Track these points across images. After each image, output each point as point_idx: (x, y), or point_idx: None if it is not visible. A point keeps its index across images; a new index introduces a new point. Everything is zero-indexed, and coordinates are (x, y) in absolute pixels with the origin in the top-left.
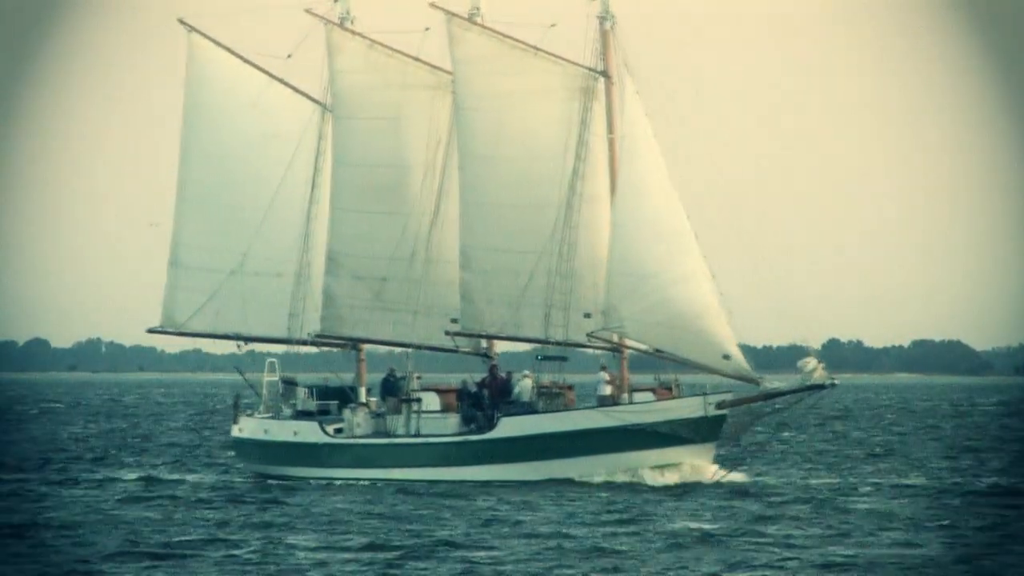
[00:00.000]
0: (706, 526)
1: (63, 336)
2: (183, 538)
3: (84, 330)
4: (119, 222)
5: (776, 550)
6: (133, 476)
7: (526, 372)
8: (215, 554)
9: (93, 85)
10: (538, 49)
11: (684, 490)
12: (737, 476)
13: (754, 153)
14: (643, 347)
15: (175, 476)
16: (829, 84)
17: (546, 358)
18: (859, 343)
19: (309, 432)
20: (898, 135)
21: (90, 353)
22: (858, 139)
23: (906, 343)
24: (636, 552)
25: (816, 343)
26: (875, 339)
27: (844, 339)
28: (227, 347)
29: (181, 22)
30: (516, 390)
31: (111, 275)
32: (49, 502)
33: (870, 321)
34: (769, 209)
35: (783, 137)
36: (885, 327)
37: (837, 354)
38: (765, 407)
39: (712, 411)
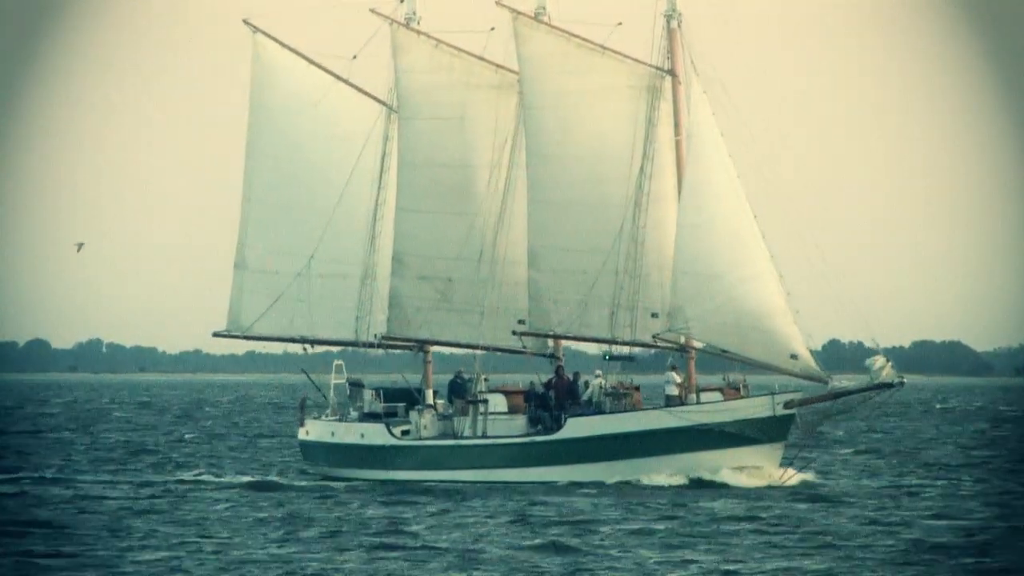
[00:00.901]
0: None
1: (63, 337)
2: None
3: (84, 331)
4: (122, 223)
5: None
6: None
7: (598, 372)
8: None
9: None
10: (605, 48)
11: (751, 491)
12: (805, 477)
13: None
14: (710, 347)
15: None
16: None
17: (613, 358)
18: (859, 344)
19: (376, 434)
20: (899, 133)
21: (90, 354)
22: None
23: (907, 343)
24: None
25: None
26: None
27: (844, 340)
28: (227, 348)
29: (246, 23)
30: (587, 390)
31: (113, 276)
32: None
33: (871, 322)
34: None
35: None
36: (886, 327)
37: (837, 355)
38: (833, 407)
39: (780, 411)
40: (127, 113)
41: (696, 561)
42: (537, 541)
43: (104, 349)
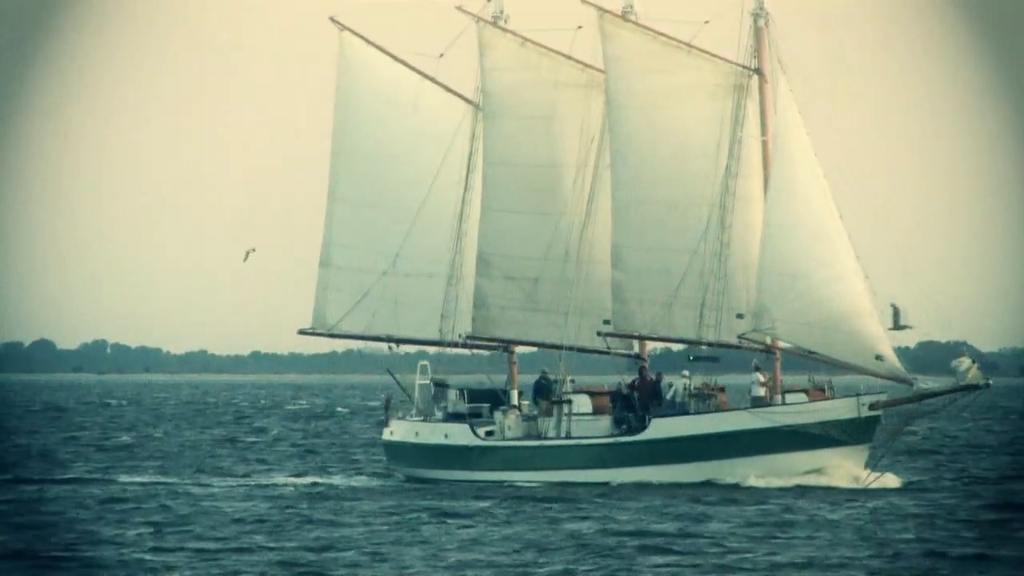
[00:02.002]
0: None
1: (68, 337)
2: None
3: (89, 331)
4: (124, 223)
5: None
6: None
7: (685, 373)
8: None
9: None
10: (691, 46)
11: (835, 493)
12: (889, 479)
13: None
14: (795, 348)
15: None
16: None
17: (698, 359)
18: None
19: (460, 435)
20: (923, 131)
21: (95, 354)
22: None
23: (912, 344)
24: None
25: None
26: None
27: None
28: (232, 349)
29: (333, 20)
30: (671, 391)
31: (117, 276)
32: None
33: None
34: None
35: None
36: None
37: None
38: (919, 408)
39: (865, 412)
40: (126, 113)
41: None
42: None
43: (109, 350)
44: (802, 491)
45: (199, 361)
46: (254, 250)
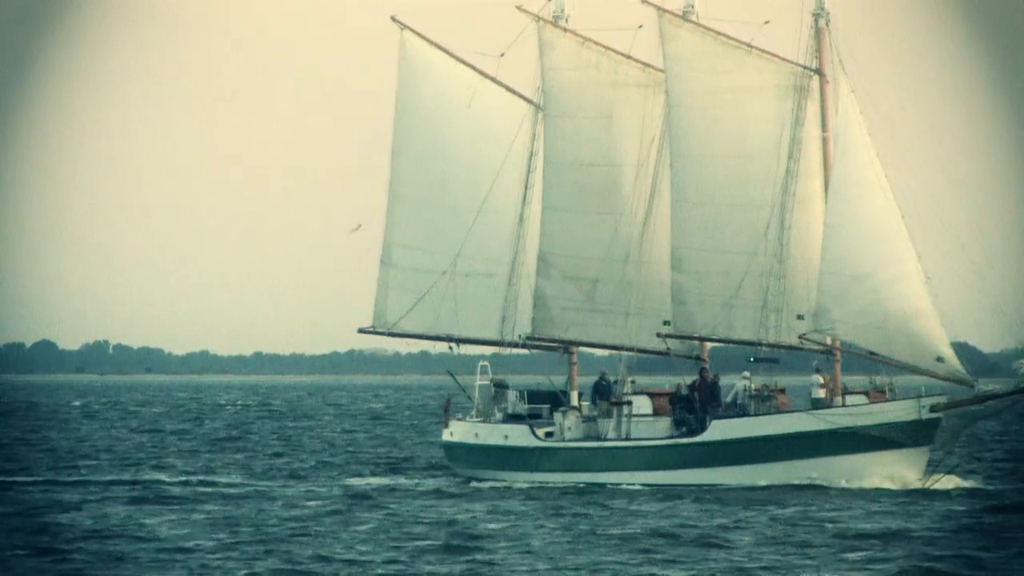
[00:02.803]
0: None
1: (70, 338)
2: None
3: (91, 332)
4: (126, 224)
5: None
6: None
7: (746, 374)
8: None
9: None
10: (751, 46)
11: (895, 496)
12: (949, 481)
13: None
14: (856, 349)
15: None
16: None
17: (758, 360)
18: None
19: (519, 436)
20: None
21: (97, 355)
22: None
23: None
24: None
25: None
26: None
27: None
28: (234, 349)
29: (394, 20)
30: (732, 392)
31: (118, 277)
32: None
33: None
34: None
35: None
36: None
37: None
38: (980, 410)
39: (926, 414)
40: (128, 113)
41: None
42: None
43: (111, 350)
44: (860, 493)
45: (201, 361)
46: (360, 226)
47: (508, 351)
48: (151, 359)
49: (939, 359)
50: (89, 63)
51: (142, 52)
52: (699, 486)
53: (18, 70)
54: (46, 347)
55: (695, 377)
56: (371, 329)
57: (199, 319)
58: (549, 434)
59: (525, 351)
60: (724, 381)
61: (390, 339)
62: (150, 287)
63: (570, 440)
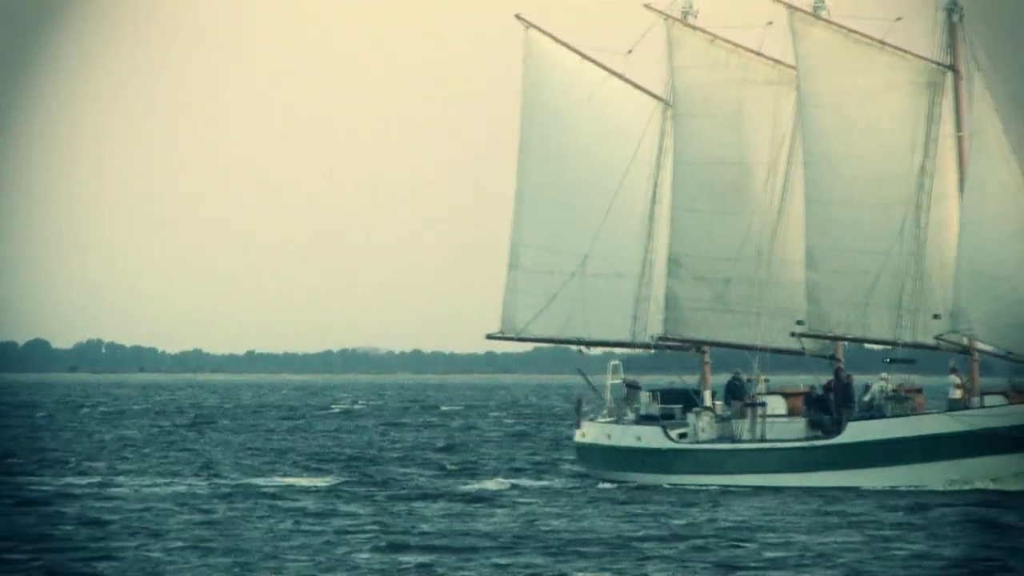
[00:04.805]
0: None
1: (63, 337)
2: None
3: (84, 331)
4: (124, 222)
5: None
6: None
7: (883, 375)
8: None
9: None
10: (884, 43)
11: None
12: None
13: None
14: (994, 349)
15: None
16: None
17: (894, 360)
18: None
19: (652, 437)
20: None
21: (90, 354)
22: None
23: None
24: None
25: None
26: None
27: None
28: (226, 348)
29: (519, 18)
30: (867, 393)
31: (111, 276)
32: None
33: None
34: None
35: None
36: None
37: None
38: None
39: None
40: (129, 114)
41: None
42: None
43: (104, 349)
44: (1001, 495)
45: (194, 360)
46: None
47: (640, 351)
48: (144, 358)
49: None
50: (88, 63)
51: (143, 49)
52: (835, 489)
53: (17, 69)
54: (39, 346)
55: (829, 377)
56: (499, 335)
57: (192, 318)
58: (682, 435)
59: (656, 351)
60: (857, 381)
61: (383, 339)
62: (143, 286)
63: (704, 441)
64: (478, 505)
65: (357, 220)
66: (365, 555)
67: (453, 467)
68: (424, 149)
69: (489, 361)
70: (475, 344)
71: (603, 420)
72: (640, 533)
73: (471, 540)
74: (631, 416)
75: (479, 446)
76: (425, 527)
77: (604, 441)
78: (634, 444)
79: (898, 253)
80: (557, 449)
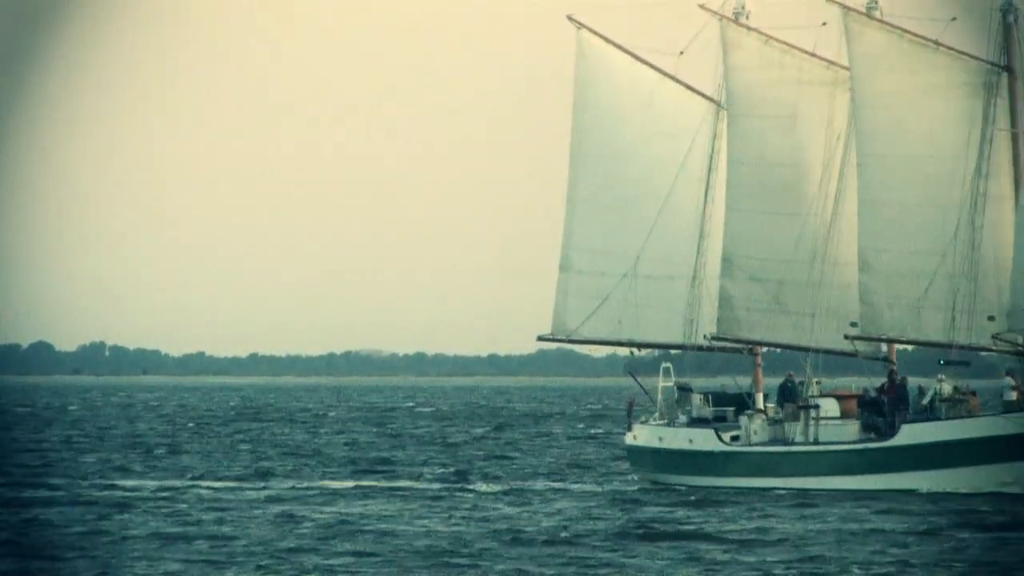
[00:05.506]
0: None
1: (67, 339)
2: None
3: (88, 334)
4: (128, 224)
5: None
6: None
7: (940, 376)
8: None
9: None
10: (939, 44)
11: None
12: None
13: None
14: None
15: None
16: None
17: (948, 363)
18: None
19: (704, 440)
20: None
21: (93, 356)
22: None
23: (910, 346)
24: None
25: None
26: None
27: None
28: (229, 350)
29: (570, 19)
30: (925, 396)
31: (115, 279)
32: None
33: None
34: None
35: None
36: None
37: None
38: None
39: None
40: (134, 114)
41: None
42: None
43: (107, 352)
44: None
45: (197, 363)
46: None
47: (693, 353)
48: (147, 360)
49: None
50: (88, 62)
51: (146, 48)
52: (889, 491)
53: (16, 69)
54: (43, 348)
55: (883, 379)
56: (550, 336)
57: (195, 321)
58: (735, 438)
59: (710, 352)
60: (911, 383)
61: (386, 342)
62: (146, 289)
63: (757, 444)
64: None
65: (360, 222)
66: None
67: None
68: (428, 149)
69: (492, 363)
70: (478, 346)
71: (654, 423)
72: None
73: None
74: (683, 419)
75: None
76: None
77: (655, 444)
78: (686, 447)
79: (952, 254)
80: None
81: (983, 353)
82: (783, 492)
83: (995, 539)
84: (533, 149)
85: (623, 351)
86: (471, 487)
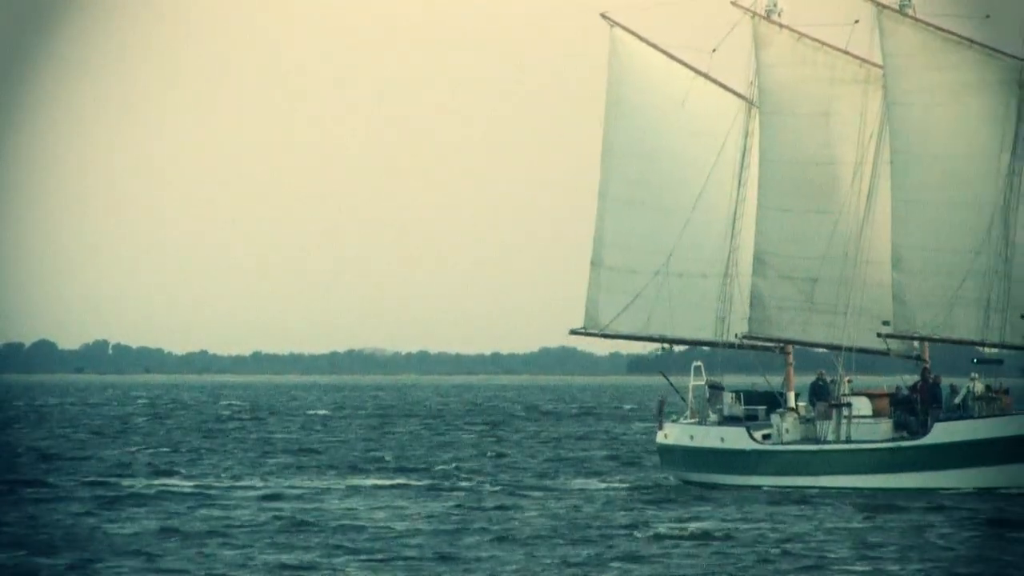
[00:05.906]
0: None
1: (70, 338)
2: None
3: (91, 332)
4: (130, 223)
5: None
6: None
7: (973, 375)
8: None
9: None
10: (972, 41)
11: None
12: None
13: None
14: None
15: None
16: None
17: (982, 361)
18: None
19: (736, 438)
20: None
21: (97, 355)
22: None
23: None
24: None
25: None
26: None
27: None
28: (233, 349)
29: (603, 17)
30: (958, 395)
31: (117, 277)
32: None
33: None
34: None
35: None
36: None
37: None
38: None
39: None
40: (138, 116)
41: None
42: None
43: (110, 350)
44: None
45: (200, 361)
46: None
47: (725, 351)
48: (150, 359)
49: None
50: (90, 62)
51: (149, 48)
52: (921, 490)
53: (16, 69)
54: (45, 347)
55: (915, 378)
56: (582, 330)
57: (198, 319)
58: (766, 436)
59: (742, 351)
60: (944, 382)
61: (389, 340)
62: (149, 288)
63: (788, 442)
64: None
65: (362, 220)
66: None
67: None
68: (435, 148)
69: (495, 362)
70: (481, 345)
71: (686, 421)
72: None
73: None
74: (714, 417)
75: None
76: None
77: (687, 442)
78: (718, 445)
79: (986, 253)
80: None
81: (1016, 351)
82: (814, 491)
83: None
84: (533, 149)
85: (627, 351)
86: (503, 485)
